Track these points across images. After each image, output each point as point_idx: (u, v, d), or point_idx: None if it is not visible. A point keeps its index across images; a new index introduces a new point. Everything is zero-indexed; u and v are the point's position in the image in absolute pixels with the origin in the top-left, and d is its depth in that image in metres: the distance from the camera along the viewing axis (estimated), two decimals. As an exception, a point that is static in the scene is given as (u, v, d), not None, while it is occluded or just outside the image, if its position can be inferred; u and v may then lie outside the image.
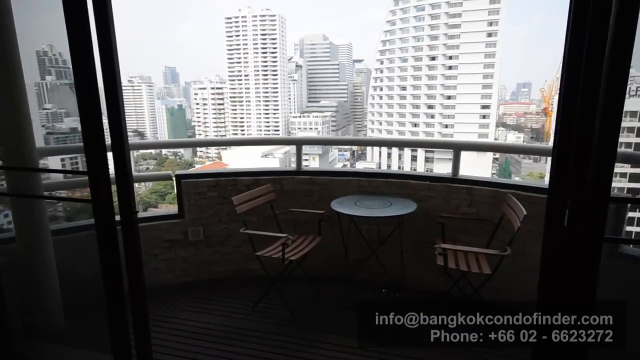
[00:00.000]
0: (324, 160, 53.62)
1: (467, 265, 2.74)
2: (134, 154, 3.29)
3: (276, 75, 76.60)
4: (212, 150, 65.55)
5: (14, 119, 2.40)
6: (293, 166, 3.71)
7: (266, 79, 76.81)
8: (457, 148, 3.26)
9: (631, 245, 2.52)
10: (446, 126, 52.35)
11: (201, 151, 69.86)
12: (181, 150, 64.51)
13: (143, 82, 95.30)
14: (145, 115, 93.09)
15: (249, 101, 77.06)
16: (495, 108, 53.05)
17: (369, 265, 3.41)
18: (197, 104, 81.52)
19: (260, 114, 76.98)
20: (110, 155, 1.85)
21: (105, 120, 1.80)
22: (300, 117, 74.81)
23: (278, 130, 75.07)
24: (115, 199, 1.89)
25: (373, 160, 55.08)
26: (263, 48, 76.79)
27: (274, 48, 76.76)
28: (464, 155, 3.29)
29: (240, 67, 77.37)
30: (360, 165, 55.37)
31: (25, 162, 2.44)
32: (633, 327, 1.48)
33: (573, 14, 1.20)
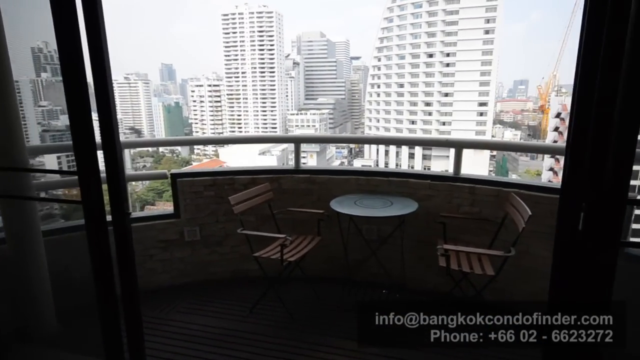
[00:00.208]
0: (321, 157, 53.51)
1: (470, 266, 2.68)
2: (130, 152, 3.21)
3: (273, 72, 76.30)
4: (210, 148, 65.29)
5: (3, 118, 2.32)
6: (291, 164, 3.63)
7: (263, 76, 76.49)
8: (460, 146, 3.20)
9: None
10: (444, 123, 52.39)
11: (198, 149, 69.63)
12: (178, 148, 64.35)
13: (139, 79, 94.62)
14: (142, 113, 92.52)
15: (246, 98, 76.77)
16: (493, 105, 53.12)
17: (368, 265, 3.35)
18: (194, 101, 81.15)
19: (257, 111, 76.70)
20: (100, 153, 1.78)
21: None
22: (297, 114, 74.69)
23: (275, 128, 74.88)
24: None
25: (370, 158, 55.10)
26: (260, 45, 76.46)
27: (271, 45, 76.44)
28: (463, 152, 3.23)
29: (237, 64, 77.01)
30: (357, 163, 55.41)
31: (15, 162, 2.37)
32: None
33: (590, 4, 1.12)
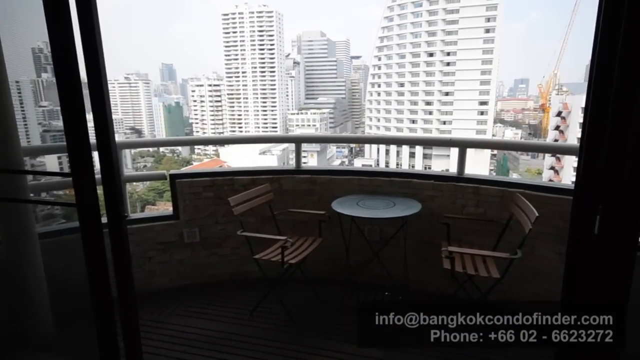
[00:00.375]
0: (322, 157, 53.45)
1: (475, 268, 2.62)
2: (131, 152, 3.16)
3: (274, 72, 76.21)
4: (210, 148, 65.26)
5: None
6: (291, 164, 3.58)
7: (264, 76, 76.40)
8: (463, 146, 3.14)
9: None
10: (444, 122, 52.28)
11: (199, 148, 69.57)
12: (179, 148, 64.34)
13: (140, 79, 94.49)
14: (142, 113, 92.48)
15: (247, 98, 76.68)
16: (493, 104, 53.02)
17: (371, 267, 3.29)
18: (195, 101, 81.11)
19: (257, 111, 76.62)
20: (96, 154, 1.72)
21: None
22: (298, 114, 74.58)
23: (276, 128, 74.79)
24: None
25: (371, 157, 54.98)
26: (260, 45, 76.36)
27: (271, 45, 76.33)
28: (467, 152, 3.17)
29: (237, 64, 76.91)
30: (358, 163, 55.33)
31: (10, 163, 2.31)
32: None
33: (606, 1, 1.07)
